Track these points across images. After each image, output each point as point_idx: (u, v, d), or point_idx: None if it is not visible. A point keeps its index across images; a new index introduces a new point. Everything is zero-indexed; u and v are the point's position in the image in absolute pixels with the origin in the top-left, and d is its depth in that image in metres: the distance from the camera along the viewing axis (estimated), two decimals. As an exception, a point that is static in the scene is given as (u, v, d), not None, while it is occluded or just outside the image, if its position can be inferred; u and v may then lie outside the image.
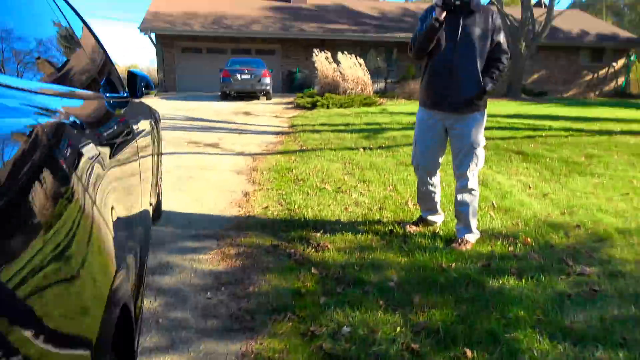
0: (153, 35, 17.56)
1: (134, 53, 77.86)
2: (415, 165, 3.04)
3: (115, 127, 1.47)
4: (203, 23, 18.16)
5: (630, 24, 32.66)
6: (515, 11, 18.46)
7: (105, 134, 1.22)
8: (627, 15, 34.83)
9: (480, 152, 2.83)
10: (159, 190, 2.94)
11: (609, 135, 7.15)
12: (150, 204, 2.54)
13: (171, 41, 18.13)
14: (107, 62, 2.09)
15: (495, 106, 12.22)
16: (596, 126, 8.32)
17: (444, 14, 2.57)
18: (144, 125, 2.32)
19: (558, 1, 16.92)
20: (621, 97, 19.40)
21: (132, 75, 2.08)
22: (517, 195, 3.98)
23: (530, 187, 4.29)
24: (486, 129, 7.75)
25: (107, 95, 1.77)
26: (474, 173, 2.84)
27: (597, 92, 21.17)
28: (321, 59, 12.86)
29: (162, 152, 5.64)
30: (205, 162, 5.22)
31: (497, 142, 6.48)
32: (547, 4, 17.31)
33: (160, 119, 3.22)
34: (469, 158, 2.80)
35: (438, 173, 3.04)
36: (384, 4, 25.65)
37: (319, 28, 19.00)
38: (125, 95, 2.11)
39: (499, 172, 4.90)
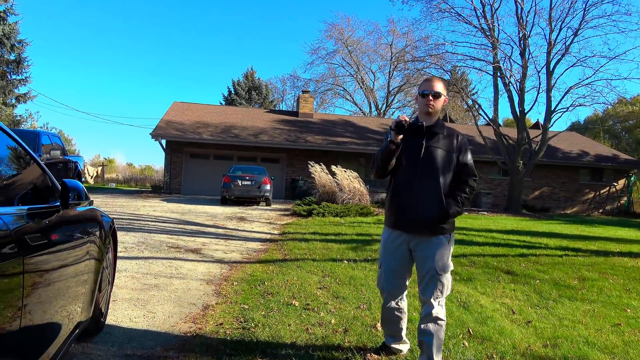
0: (164, 141, 18.37)
1: (151, 155, 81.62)
2: (380, 289, 2.84)
3: (27, 238, 1.48)
4: (212, 132, 19.07)
5: (629, 146, 33.74)
6: (512, 132, 19.22)
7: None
8: (624, 139, 36.10)
9: (446, 278, 2.61)
10: (99, 302, 2.75)
11: (606, 257, 6.89)
12: (80, 318, 2.35)
13: (180, 147, 18.91)
14: (41, 176, 2.07)
15: (494, 221, 12.12)
16: (594, 246, 8.08)
17: (399, 137, 2.54)
18: (77, 233, 2.23)
19: (552, 124, 17.65)
20: (625, 215, 19.31)
21: (64, 186, 2.03)
22: (499, 321, 3.68)
23: (514, 312, 4.00)
24: (480, 244, 7.59)
25: (29, 207, 1.73)
26: (439, 301, 2.60)
27: (600, 210, 21.13)
28: (317, 170, 13.17)
29: (138, 256, 5.52)
30: (179, 270, 5.03)
31: (487, 260, 6.25)
32: (543, 125, 18.05)
33: (113, 227, 3.13)
34: (432, 284, 2.59)
35: (405, 297, 2.82)
36: (388, 120, 27.03)
37: (324, 140, 19.81)
38: (55, 204, 2.05)
39: (483, 293, 4.62)
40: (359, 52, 35.83)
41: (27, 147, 2.04)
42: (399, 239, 2.67)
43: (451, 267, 2.65)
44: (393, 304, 2.75)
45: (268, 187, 14.03)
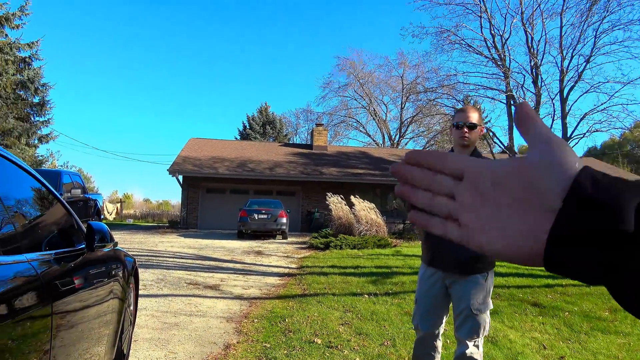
0: (180, 177, 18.61)
1: (168, 190, 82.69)
2: (415, 325, 2.73)
3: (55, 283, 1.51)
4: (229, 167, 19.29)
5: (650, 170, 33.06)
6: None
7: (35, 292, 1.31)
8: (644, 162, 35.42)
9: (483, 319, 2.47)
10: (121, 343, 2.72)
11: (637, 286, 6.64)
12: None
13: (197, 182, 19.12)
14: (67, 218, 2.09)
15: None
16: (623, 275, 7.82)
17: None
18: (102, 276, 2.23)
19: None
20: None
21: (90, 229, 2.05)
22: (530, 357, 3.54)
23: (545, 347, 3.84)
24: (503, 275, 7.40)
25: (55, 251, 1.75)
26: (476, 341, 2.47)
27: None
28: (334, 201, 13.15)
29: (158, 294, 5.50)
30: (198, 307, 4.99)
31: (512, 291, 6.08)
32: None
33: (135, 266, 3.13)
34: (467, 324, 2.46)
35: (440, 336, 2.70)
36: (403, 151, 27.07)
37: (339, 172, 19.85)
38: (80, 247, 2.06)
39: (511, 327, 4.47)
40: (370, 85, 36.35)
41: (53, 190, 2.07)
42: (434, 276, 2.56)
43: (490, 306, 2.51)
44: (427, 341, 2.64)
45: (284, 220, 14.01)
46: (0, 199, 1.40)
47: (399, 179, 0.47)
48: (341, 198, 13.56)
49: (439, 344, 2.67)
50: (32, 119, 21.49)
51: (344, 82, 36.58)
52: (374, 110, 36.29)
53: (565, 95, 16.98)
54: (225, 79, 76.96)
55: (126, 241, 11.85)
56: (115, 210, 31.97)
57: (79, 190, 10.27)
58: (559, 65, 17.09)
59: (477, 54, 17.86)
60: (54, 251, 1.70)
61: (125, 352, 2.91)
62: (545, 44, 17.42)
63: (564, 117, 16.94)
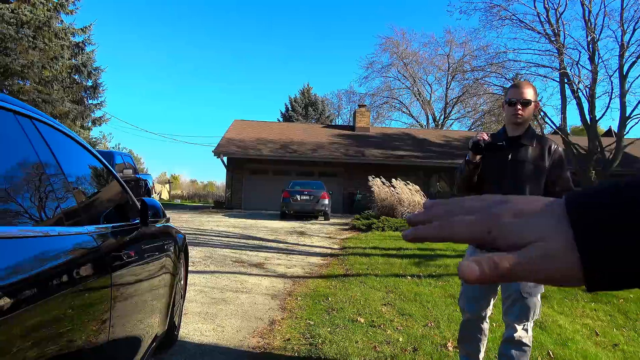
0: (225, 158, 19.02)
1: (213, 171, 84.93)
2: (461, 307, 2.68)
3: (113, 254, 1.61)
4: (272, 148, 19.52)
5: None
6: (581, 140, 18.15)
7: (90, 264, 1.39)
8: None
9: (533, 302, 2.35)
10: (172, 315, 2.84)
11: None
12: (157, 331, 2.44)
13: (241, 163, 19.48)
14: (122, 195, 2.18)
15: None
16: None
17: (478, 157, 2.37)
18: (155, 250, 2.32)
19: (627, 131, 16.48)
20: None
21: (144, 204, 2.13)
22: (581, 344, 3.42)
23: (597, 334, 3.70)
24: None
25: (112, 225, 1.83)
26: (525, 325, 2.38)
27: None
28: (377, 183, 13.07)
29: (205, 270, 5.69)
30: (244, 284, 5.13)
31: (562, 277, 5.87)
32: (616, 132, 16.89)
33: (185, 242, 3.24)
34: (516, 307, 2.37)
35: (487, 318, 2.64)
36: (448, 132, 26.45)
37: (382, 154, 19.67)
38: (135, 222, 2.15)
39: (561, 312, 4.33)
40: (414, 65, 35.52)
41: (110, 167, 2.16)
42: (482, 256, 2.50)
43: (541, 289, 2.40)
44: (473, 324, 2.59)
45: (326, 201, 14.10)
46: (65, 175, 1.47)
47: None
48: (384, 180, 13.47)
49: (486, 326, 2.61)
50: (86, 102, 22.47)
51: (387, 62, 35.93)
52: (418, 90, 35.52)
53: (625, 71, 15.96)
54: (268, 61, 77.42)
55: (175, 220, 12.28)
56: (163, 191, 33.16)
57: (130, 171, 10.72)
58: (619, 39, 16.04)
59: (529, 29, 17.05)
60: (110, 224, 1.79)
61: (176, 323, 3.04)
62: (604, 17, 16.36)
63: (622, 95, 15.95)
